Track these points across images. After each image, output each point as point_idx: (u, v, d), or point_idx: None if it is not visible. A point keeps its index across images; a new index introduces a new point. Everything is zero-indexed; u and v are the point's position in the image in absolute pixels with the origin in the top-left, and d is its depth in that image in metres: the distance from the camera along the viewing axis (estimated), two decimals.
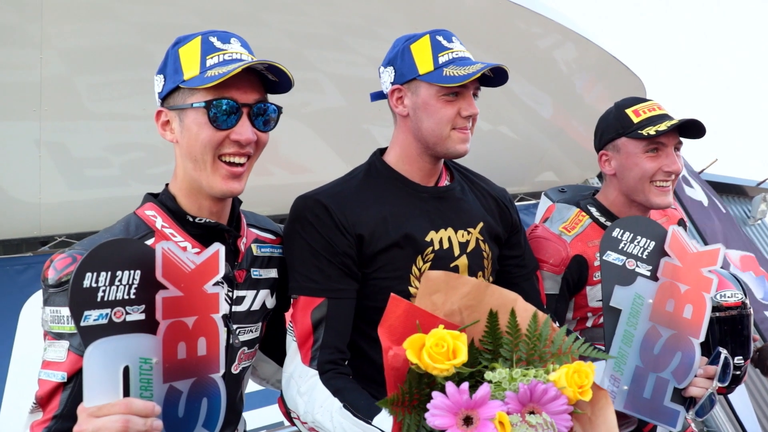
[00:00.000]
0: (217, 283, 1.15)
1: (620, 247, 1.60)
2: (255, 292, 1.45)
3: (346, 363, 1.49)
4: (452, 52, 1.54)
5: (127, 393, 1.03)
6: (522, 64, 4.10)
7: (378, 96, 1.67)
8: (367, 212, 1.53)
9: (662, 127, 1.81)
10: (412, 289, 1.53)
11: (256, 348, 1.52)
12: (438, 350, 1.05)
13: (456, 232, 1.60)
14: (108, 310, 1.03)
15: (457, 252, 1.59)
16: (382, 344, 1.12)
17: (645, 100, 1.94)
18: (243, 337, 1.43)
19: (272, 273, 1.51)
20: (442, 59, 1.52)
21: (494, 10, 3.67)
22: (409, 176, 1.61)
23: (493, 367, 1.13)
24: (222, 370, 1.18)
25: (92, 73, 2.95)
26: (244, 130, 1.25)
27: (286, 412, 1.53)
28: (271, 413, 3.04)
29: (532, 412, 1.07)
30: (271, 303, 1.52)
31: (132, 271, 1.06)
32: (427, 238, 1.55)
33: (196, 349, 1.12)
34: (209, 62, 1.24)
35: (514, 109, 4.64)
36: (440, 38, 1.55)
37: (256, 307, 1.46)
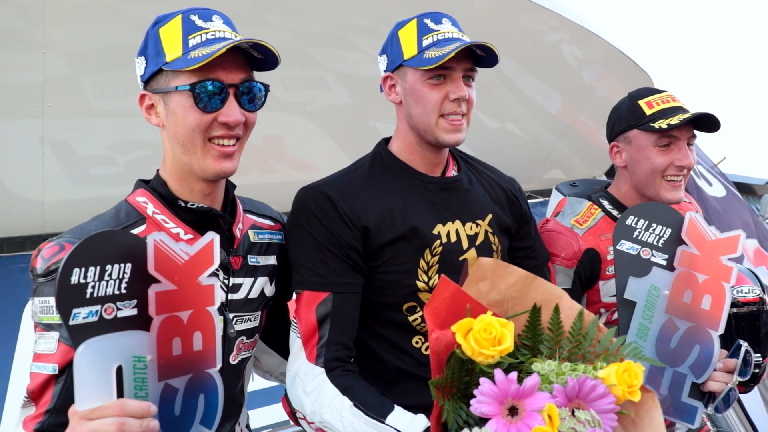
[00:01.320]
0: (212, 274, 1.11)
1: (635, 236, 1.55)
2: (252, 279, 1.42)
3: (353, 360, 1.45)
4: (438, 34, 1.49)
5: (120, 394, 0.99)
6: (529, 61, 4.07)
7: None
8: (372, 203, 1.49)
9: (674, 120, 1.77)
10: (420, 284, 1.49)
11: (256, 338, 1.48)
12: (485, 335, 1.03)
13: (464, 225, 1.56)
14: (98, 307, 0.99)
15: (465, 245, 1.55)
16: (427, 326, 1.09)
17: (659, 92, 1.90)
18: (241, 326, 1.39)
19: (271, 260, 1.48)
20: (426, 42, 1.48)
21: (501, 5, 3.63)
22: (414, 165, 1.57)
23: (534, 361, 1.10)
24: (219, 365, 1.14)
25: (96, 72, 2.94)
26: (231, 111, 1.22)
27: (291, 413, 1.49)
28: (275, 412, 2.99)
29: (577, 409, 1.03)
30: (270, 291, 1.48)
31: (122, 265, 1.01)
32: (435, 231, 1.52)
33: (192, 344, 1.08)
34: (192, 42, 1.20)
35: (521, 106, 4.61)
36: (428, 21, 1.51)
37: (254, 295, 1.42)
